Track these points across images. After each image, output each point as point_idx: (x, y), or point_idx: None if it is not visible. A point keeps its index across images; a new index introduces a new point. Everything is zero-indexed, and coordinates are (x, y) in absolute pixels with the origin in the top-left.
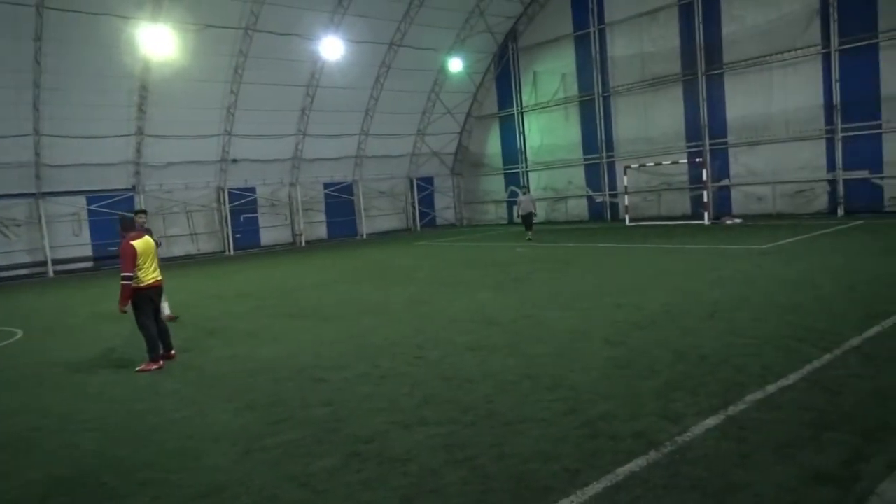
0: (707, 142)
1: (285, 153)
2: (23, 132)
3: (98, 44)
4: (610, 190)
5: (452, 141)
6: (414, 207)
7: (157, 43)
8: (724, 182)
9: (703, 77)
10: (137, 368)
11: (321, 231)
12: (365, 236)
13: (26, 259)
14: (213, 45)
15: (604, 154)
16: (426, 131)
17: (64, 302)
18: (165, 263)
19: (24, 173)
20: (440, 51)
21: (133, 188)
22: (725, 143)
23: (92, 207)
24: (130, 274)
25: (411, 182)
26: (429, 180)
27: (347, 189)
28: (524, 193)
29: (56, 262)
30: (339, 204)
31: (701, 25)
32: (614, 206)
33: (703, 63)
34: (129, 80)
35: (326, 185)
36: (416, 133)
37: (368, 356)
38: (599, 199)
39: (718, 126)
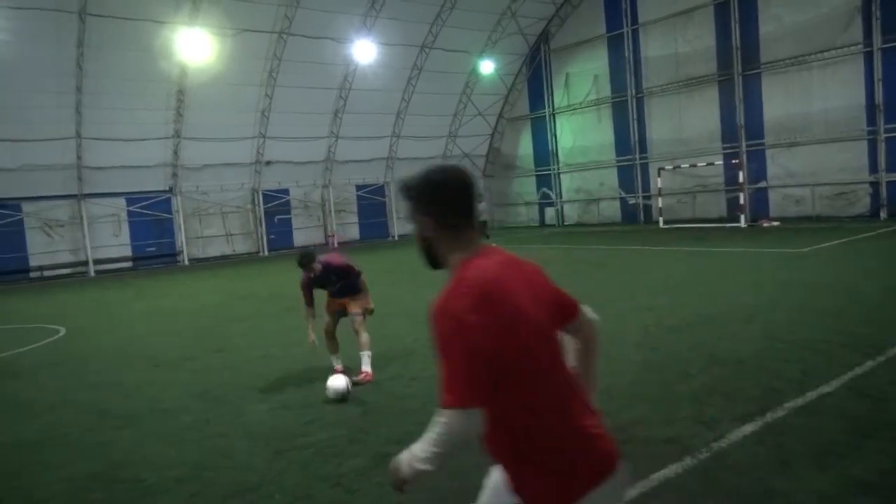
0: (743, 143)
1: (318, 155)
2: (66, 135)
3: (137, 49)
4: (643, 192)
5: (483, 143)
6: None
7: (194, 47)
8: (761, 184)
9: (740, 77)
10: None
11: (353, 232)
12: (397, 238)
13: (69, 258)
14: (249, 48)
15: (637, 156)
16: (457, 133)
17: (104, 301)
18: (201, 264)
19: (68, 175)
20: (471, 53)
21: (170, 190)
22: (762, 144)
23: (131, 209)
24: None
25: None
26: None
27: (379, 191)
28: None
29: (97, 261)
30: (371, 205)
31: (737, 25)
32: (647, 209)
33: (739, 63)
34: (167, 84)
35: (358, 187)
36: (447, 135)
37: (399, 358)
38: (632, 201)
39: (755, 127)
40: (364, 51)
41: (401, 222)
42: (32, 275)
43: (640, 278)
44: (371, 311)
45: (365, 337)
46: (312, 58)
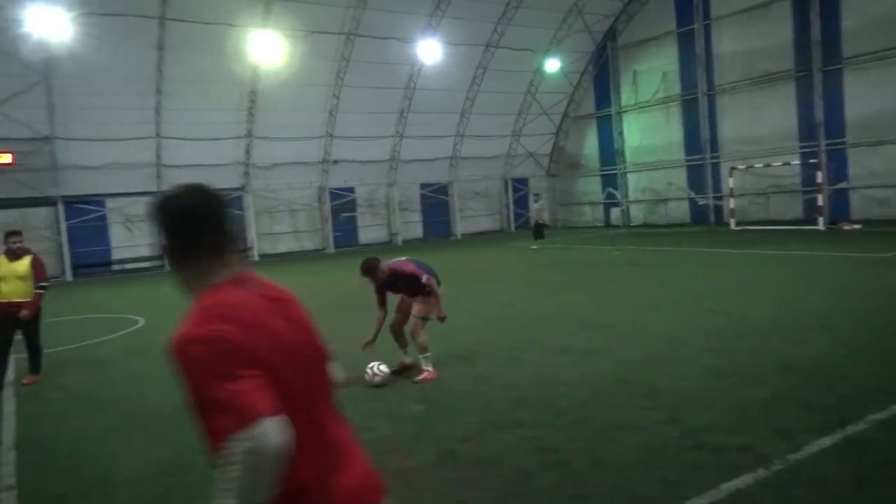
0: (822, 142)
1: (383, 154)
2: (146, 135)
3: (212, 51)
4: (714, 192)
5: (548, 142)
6: (508, 209)
7: (266, 49)
8: (842, 185)
9: (820, 73)
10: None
11: (417, 231)
12: (459, 237)
13: (147, 252)
14: (317, 50)
15: (707, 155)
16: (521, 132)
17: (179, 294)
18: (270, 259)
19: (147, 173)
20: (537, 51)
21: (242, 188)
22: (843, 143)
23: None
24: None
25: (506, 183)
26: (524, 181)
27: (443, 190)
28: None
29: None
30: (435, 204)
31: (818, 18)
32: (718, 210)
33: (819, 58)
34: (240, 85)
35: (423, 186)
36: (511, 134)
37: (463, 356)
38: (702, 202)
39: (836, 125)
40: (429, 51)
41: (465, 221)
42: (114, 267)
43: (710, 281)
44: (442, 319)
45: (420, 340)
46: (378, 58)
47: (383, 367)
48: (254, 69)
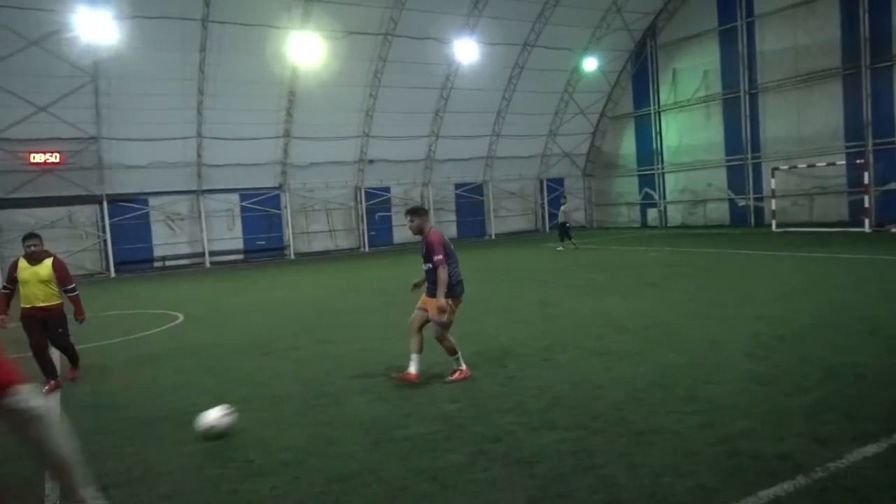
0: (870, 141)
1: (418, 154)
2: (188, 135)
3: (252, 53)
4: (755, 193)
5: (585, 142)
6: (543, 209)
7: (305, 50)
8: (890, 185)
9: (868, 71)
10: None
11: (451, 230)
12: (493, 237)
13: (187, 250)
14: (355, 50)
15: (749, 155)
16: (558, 132)
17: (218, 290)
18: (306, 258)
19: (189, 172)
20: (575, 50)
21: (280, 187)
22: (892, 142)
23: (244, 204)
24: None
25: (541, 183)
26: (559, 181)
27: (477, 189)
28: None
29: (212, 253)
30: (469, 204)
31: (867, 15)
32: (759, 211)
33: (867, 55)
34: (279, 85)
35: (457, 186)
36: (547, 134)
37: (495, 356)
38: (742, 203)
39: (884, 124)
40: (466, 50)
41: (499, 221)
42: (156, 264)
43: (750, 284)
44: (445, 325)
45: (446, 344)
46: (415, 58)
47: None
48: (292, 70)
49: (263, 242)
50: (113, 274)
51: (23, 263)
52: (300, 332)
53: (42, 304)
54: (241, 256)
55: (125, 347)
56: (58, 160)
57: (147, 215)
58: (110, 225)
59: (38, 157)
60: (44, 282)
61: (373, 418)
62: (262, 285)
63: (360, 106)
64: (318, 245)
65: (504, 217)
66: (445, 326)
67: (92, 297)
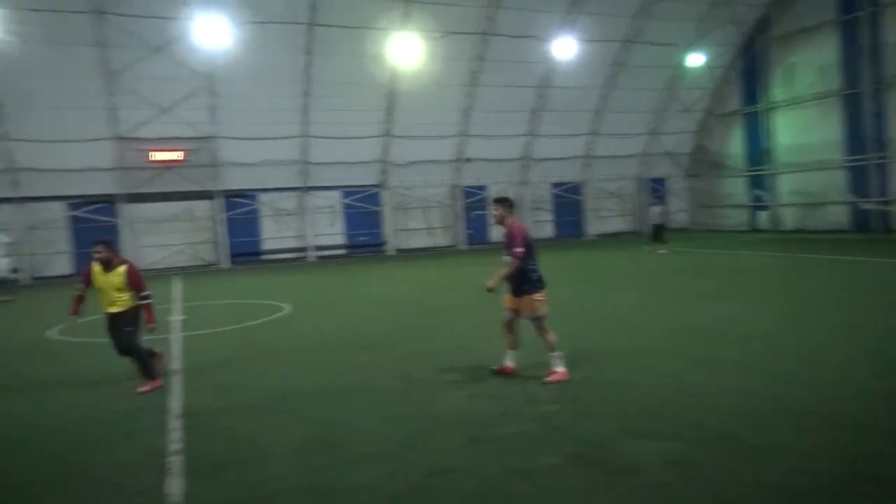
0: None
1: (515, 153)
2: (294, 134)
3: (354, 54)
4: (880, 196)
5: (688, 140)
6: (643, 209)
7: (405, 51)
8: None
9: None
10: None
11: (548, 230)
12: (591, 237)
13: (293, 244)
14: (453, 50)
15: (873, 155)
16: (659, 130)
17: (321, 284)
18: (404, 254)
19: (295, 170)
20: (679, 45)
21: (380, 185)
22: None
23: (346, 201)
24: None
25: (642, 183)
26: (660, 181)
27: (575, 189)
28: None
29: (315, 248)
30: (567, 204)
31: None
32: (885, 216)
33: None
34: (380, 86)
35: (554, 185)
36: (648, 132)
37: (593, 360)
38: (865, 207)
39: None
40: (564, 48)
41: (597, 221)
42: (263, 257)
43: (877, 295)
44: (537, 318)
45: (548, 338)
46: (513, 57)
47: None
48: (393, 70)
49: (364, 238)
50: (226, 265)
51: (96, 269)
52: (398, 327)
53: (116, 311)
54: (342, 251)
55: (236, 335)
56: (181, 158)
57: (256, 210)
58: (225, 219)
59: (160, 156)
60: (117, 289)
61: (469, 415)
62: (362, 280)
63: (458, 105)
64: (417, 242)
65: (603, 217)
66: (541, 319)
67: (207, 285)
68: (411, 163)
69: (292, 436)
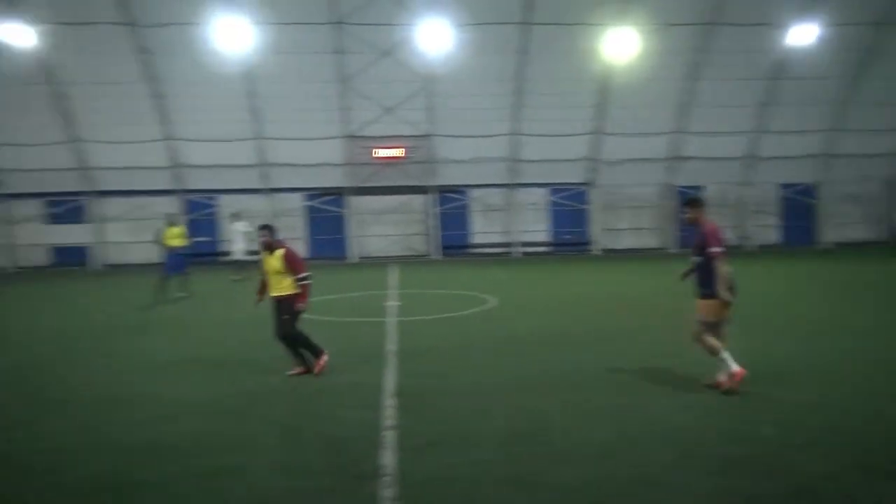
0: None
1: (738, 151)
2: (504, 132)
3: (567, 51)
4: None
5: None
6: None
7: (620, 46)
8: None
9: None
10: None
11: (772, 236)
12: (825, 245)
13: (499, 239)
14: (671, 42)
15: None
16: None
17: (526, 279)
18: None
19: (504, 167)
20: None
21: (588, 182)
22: None
23: (553, 198)
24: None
25: (892, 186)
26: None
27: (808, 191)
28: None
29: (521, 244)
30: (797, 207)
31: None
32: None
33: None
34: (591, 82)
35: (783, 187)
36: None
37: (821, 379)
38: None
39: None
40: (803, 34)
41: (837, 227)
42: (471, 250)
43: None
44: (707, 324)
45: (707, 343)
46: (740, 47)
47: None
48: (606, 66)
49: (570, 236)
50: (437, 257)
51: (264, 253)
52: (599, 328)
53: (277, 294)
54: (547, 248)
55: (446, 323)
56: (402, 155)
57: (466, 206)
58: (438, 213)
59: (383, 153)
60: (277, 272)
61: (680, 428)
62: (566, 278)
63: (675, 100)
64: (625, 242)
65: (841, 224)
66: (707, 326)
67: (420, 275)
68: (622, 160)
69: (496, 424)
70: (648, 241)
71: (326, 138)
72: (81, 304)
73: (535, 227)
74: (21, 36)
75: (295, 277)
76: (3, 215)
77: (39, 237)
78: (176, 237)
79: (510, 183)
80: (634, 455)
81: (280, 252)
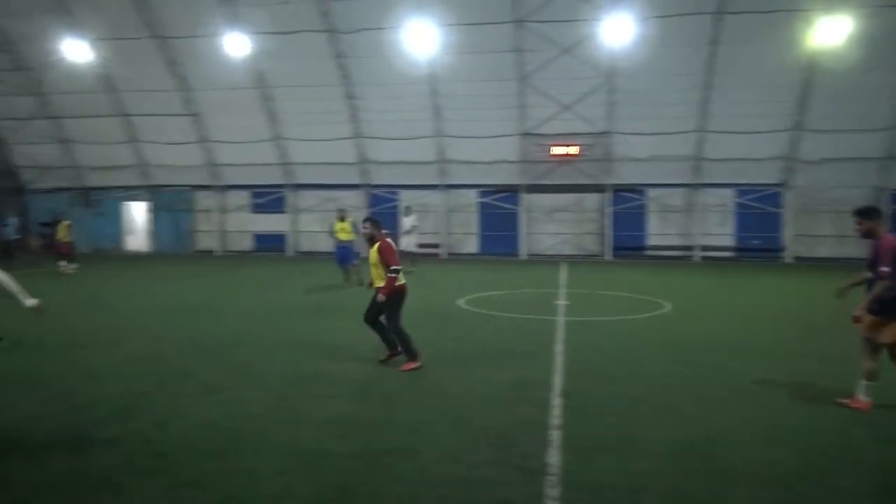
0: None
1: None
2: (689, 129)
3: (766, 41)
4: None
5: None
6: None
7: (829, 33)
8: None
9: None
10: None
11: None
12: None
13: (678, 242)
14: (890, 27)
15: None
16: None
17: (705, 286)
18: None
19: (686, 166)
20: None
21: (782, 184)
22: None
23: (739, 200)
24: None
25: None
26: None
27: None
28: None
29: (702, 248)
30: None
31: None
32: None
33: None
34: (792, 73)
35: None
36: None
37: None
38: None
39: None
40: None
41: None
42: (646, 252)
43: None
44: (871, 340)
45: (865, 365)
46: None
47: None
48: (810, 55)
49: (758, 242)
50: (608, 257)
51: (370, 245)
52: (782, 340)
53: (378, 285)
54: (731, 254)
55: (616, 326)
56: (577, 152)
57: (643, 206)
58: (611, 213)
59: (559, 150)
60: (374, 264)
61: (878, 462)
62: (751, 287)
63: (893, 92)
64: (824, 250)
65: None
66: (871, 343)
67: (590, 275)
68: (824, 160)
69: (666, 434)
70: (852, 250)
71: (503, 136)
72: (286, 286)
73: (718, 231)
74: (239, 46)
75: (388, 269)
76: (218, 204)
77: (246, 225)
78: (344, 231)
79: (692, 182)
80: (827, 485)
81: (377, 245)
